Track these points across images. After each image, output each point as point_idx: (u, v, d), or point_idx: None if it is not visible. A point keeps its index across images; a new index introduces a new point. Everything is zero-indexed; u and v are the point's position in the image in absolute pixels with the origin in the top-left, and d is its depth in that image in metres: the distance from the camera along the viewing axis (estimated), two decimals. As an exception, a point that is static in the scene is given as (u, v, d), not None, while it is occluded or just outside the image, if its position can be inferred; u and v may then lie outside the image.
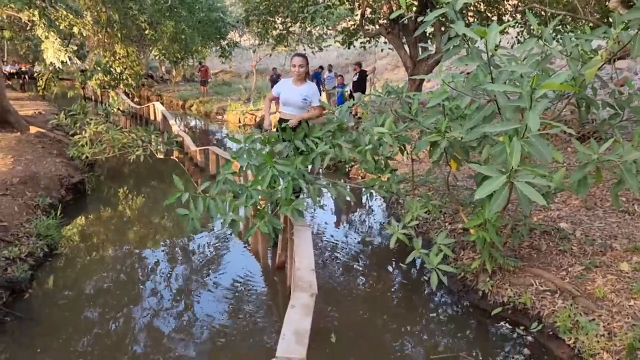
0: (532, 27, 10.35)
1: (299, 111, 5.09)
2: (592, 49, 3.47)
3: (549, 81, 2.52)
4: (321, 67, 16.84)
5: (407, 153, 4.66)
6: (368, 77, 13.81)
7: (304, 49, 17.21)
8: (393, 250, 5.75)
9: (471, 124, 3.31)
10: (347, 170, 9.02)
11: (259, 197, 4.24)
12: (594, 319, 3.56)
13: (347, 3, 11.47)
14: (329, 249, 5.82)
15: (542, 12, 8.84)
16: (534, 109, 2.54)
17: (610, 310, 3.62)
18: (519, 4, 9.30)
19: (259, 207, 4.33)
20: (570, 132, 2.63)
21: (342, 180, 5.75)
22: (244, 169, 4.59)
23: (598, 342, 3.36)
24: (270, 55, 19.02)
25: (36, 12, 11.26)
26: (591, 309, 3.67)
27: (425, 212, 4.47)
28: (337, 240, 6.07)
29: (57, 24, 12.77)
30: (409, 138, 4.25)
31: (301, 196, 4.87)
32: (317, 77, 15.68)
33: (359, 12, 11.51)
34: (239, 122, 16.65)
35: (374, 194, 7.86)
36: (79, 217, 6.95)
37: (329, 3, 11.11)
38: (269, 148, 4.65)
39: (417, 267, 5.29)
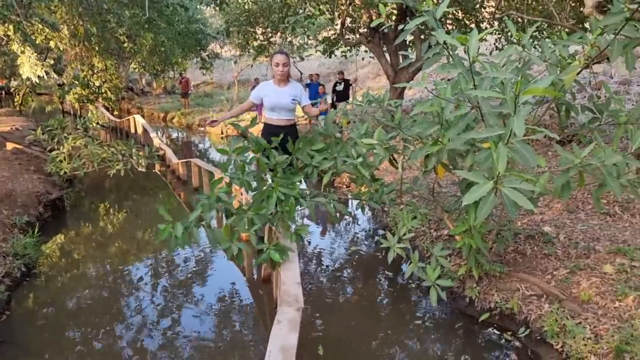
0: (509, 34, 10.49)
1: (289, 114, 4.71)
2: (569, 54, 3.51)
3: (532, 87, 2.52)
4: (318, 75, 16.38)
5: (398, 163, 4.57)
6: (351, 86, 13.86)
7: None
8: (379, 258, 5.74)
9: (456, 131, 3.30)
10: (331, 179, 8.97)
11: (262, 222, 3.88)
12: (580, 322, 3.57)
13: (327, 13, 11.51)
14: (315, 258, 5.78)
15: (520, 19, 8.98)
16: (519, 114, 2.54)
17: (596, 313, 3.63)
18: (496, 11, 9.42)
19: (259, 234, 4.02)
20: (554, 136, 2.63)
21: (329, 190, 5.70)
22: (236, 185, 4.16)
23: (585, 345, 3.37)
24: (252, 66, 19.02)
25: (11, 27, 11.07)
26: (577, 312, 3.68)
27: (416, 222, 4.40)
28: (323, 250, 6.03)
29: (33, 38, 12.58)
30: (396, 148, 4.16)
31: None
32: (311, 87, 14.34)
33: (339, 21, 11.55)
34: (222, 133, 16.55)
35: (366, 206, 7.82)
36: (58, 235, 6.80)
37: (308, 13, 11.13)
38: (260, 158, 4.22)
39: (404, 275, 5.26)
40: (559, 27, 7.43)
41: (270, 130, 4.65)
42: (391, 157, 4.32)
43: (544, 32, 10.20)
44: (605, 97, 3.90)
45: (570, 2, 7.75)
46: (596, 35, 3.19)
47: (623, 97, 9.48)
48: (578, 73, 3.29)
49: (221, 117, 4.90)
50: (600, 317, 3.58)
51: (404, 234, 4.11)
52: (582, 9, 5.61)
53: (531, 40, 9.82)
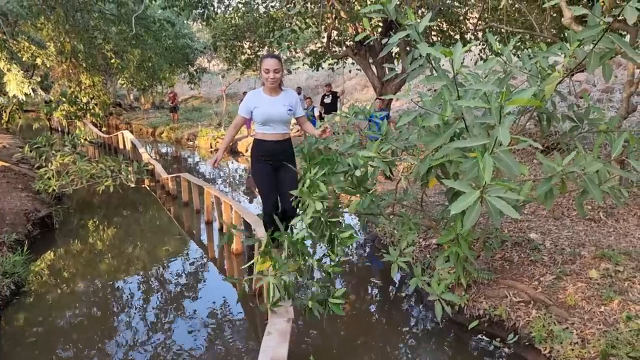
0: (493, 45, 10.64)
1: (284, 128, 3.99)
2: (549, 65, 3.61)
3: (516, 97, 2.59)
4: (300, 88, 16.62)
5: (392, 174, 4.59)
6: (339, 98, 13.99)
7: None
8: (370, 268, 5.78)
9: (441, 141, 3.37)
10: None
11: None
12: (567, 327, 3.63)
13: (313, 26, 11.63)
14: (306, 269, 5.79)
15: (502, 31, 9.14)
16: (504, 124, 2.61)
17: (582, 318, 3.69)
18: (479, 22, 9.59)
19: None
20: (538, 146, 2.70)
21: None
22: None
23: (572, 350, 3.42)
24: (239, 79, 19.06)
25: (-3, 45, 11.09)
26: (564, 317, 3.74)
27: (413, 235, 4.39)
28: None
29: (20, 56, 12.58)
30: (395, 161, 4.11)
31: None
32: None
33: (325, 34, 11.67)
34: (211, 147, 16.57)
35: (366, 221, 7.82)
36: (47, 252, 6.76)
37: (294, 27, 11.24)
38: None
39: (395, 284, 5.30)
40: (541, 37, 7.57)
41: (263, 147, 3.95)
42: (390, 169, 4.27)
43: (527, 43, 10.38)
44: (590, 104, 4.00)
45: (551, 13, 7.91)
46: (574, 47, 3.28)
47: (606, 104, 9.68)
48: (559, 83, 3.38)
49: (220, 150, 4.20)
50: (587, 321, 3.65)
51: (405, 248, 4.14)
52: (562, 19, 5.72)
53: (514, 50, 10.03)
